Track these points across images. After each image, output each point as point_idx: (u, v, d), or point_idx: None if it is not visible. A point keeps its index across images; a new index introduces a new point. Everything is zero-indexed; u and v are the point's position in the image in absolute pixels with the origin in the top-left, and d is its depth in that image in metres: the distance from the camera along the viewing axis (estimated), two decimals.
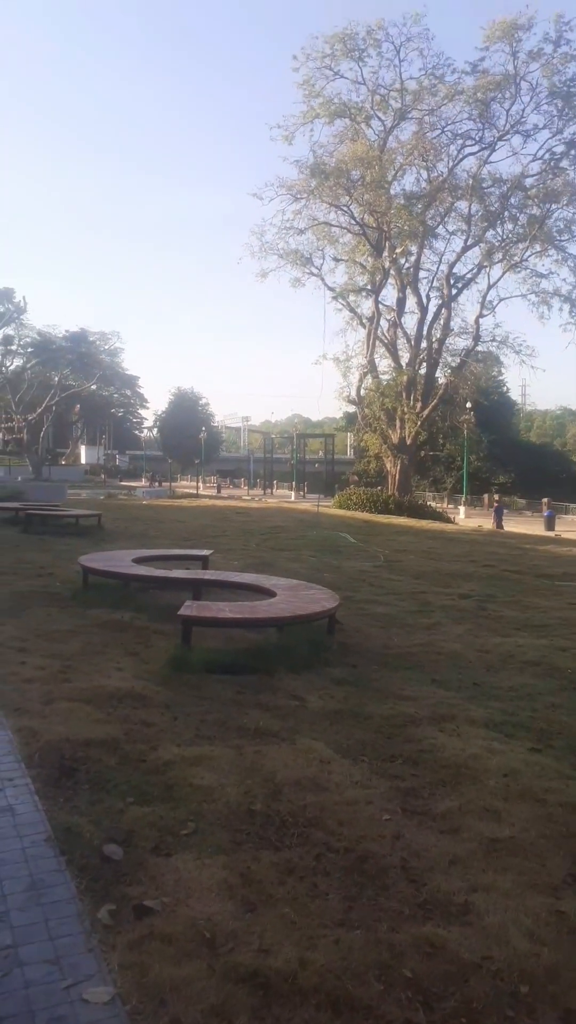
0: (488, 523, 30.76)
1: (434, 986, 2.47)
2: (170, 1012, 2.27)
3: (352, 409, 43.97)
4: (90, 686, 5.51)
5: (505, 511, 33.05)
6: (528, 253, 35.24)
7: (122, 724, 4.76)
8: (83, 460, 76.77)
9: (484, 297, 36.43)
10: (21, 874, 3.01)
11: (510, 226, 35.80)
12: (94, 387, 67.95)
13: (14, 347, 50.84)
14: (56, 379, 58.58)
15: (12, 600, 8.82)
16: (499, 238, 35.94)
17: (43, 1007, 2.28)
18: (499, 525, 29.40)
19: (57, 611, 8.27)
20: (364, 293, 38.95)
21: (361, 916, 2.84)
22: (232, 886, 2.97)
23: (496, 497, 39.48)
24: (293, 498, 47.24)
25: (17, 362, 54.63)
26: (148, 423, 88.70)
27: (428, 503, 39.29)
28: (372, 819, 3.63)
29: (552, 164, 34.65)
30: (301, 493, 51.09)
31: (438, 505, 41.66)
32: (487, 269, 36.39)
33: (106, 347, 73.35)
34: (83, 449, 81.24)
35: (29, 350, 55.69)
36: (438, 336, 37.13)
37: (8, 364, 50.60)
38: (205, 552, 11.61)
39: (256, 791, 3.87)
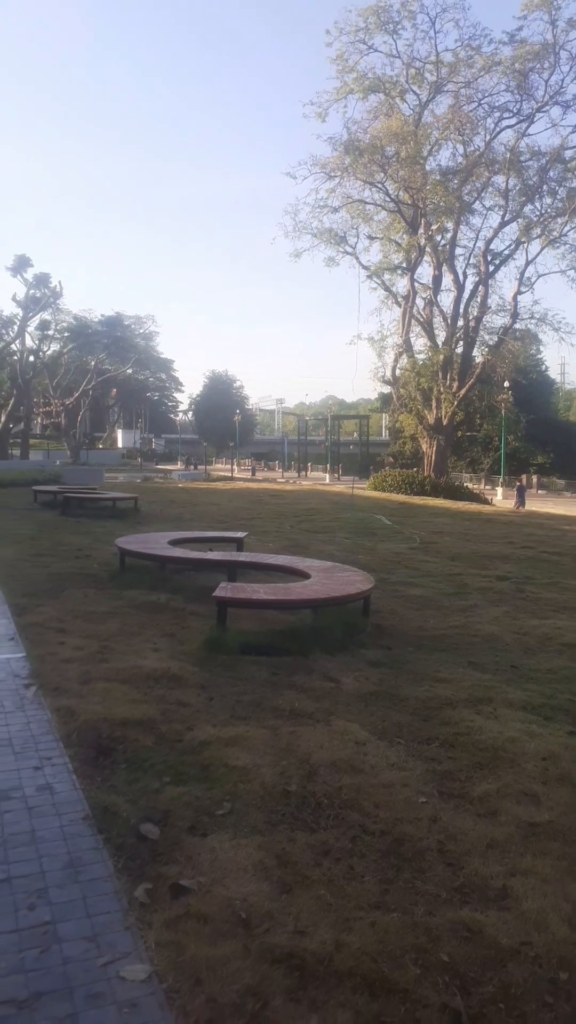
0: (527, 504, 30.34)
1: (471, 971, 2.44)
2: (206, 991, 2.28)
3: (387, 390, 43.49)
4: (127, 666, 5.55)
5: (528, 491, 32.65)
6: (568, 228, 34.35)
7: (158, 704, 4.79)
8: (119, 444, 77.49)
9: (522, 273, 35.69)
10: (60, 852, 3.04)
11: (549, 200, 34.89)
12: (130, 371, 68.34)
13: (51, 332, 51.15)
14: (92, 363, 59.04)
15: (51, 581, 8.93)
16: (537, 213, 35.07)
17: (81, 983, 2.30)
18: (521, 504, 29.00)
19: (95, 592, 8.35)
20: (399, 271, 38.44)
21: (397, 899, 2.82)
22: (268, 867, 2.97)
23: (520, 478, 38.87)
24: (327, 480, 47.11)
25: (54, 347, 55.05)
26: (183, 406, 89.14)
27: (465, 484, 38.89)
28: (408, 802, 3.61)
29: None
30: (335, 475, 50.91)
31: (475, 486, 41.20)
32: (525, 245, 35.61)
33: (141, 331, 73.57)
34: (119, 433, 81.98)
35: (66, 335, 56.01)
36: (475, 314, 36.47)
37: (45, 349, 51.00)
38: (240, 534, 11.63)
39: (291, 772, 3.87)
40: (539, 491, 44.72)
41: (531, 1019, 2.25)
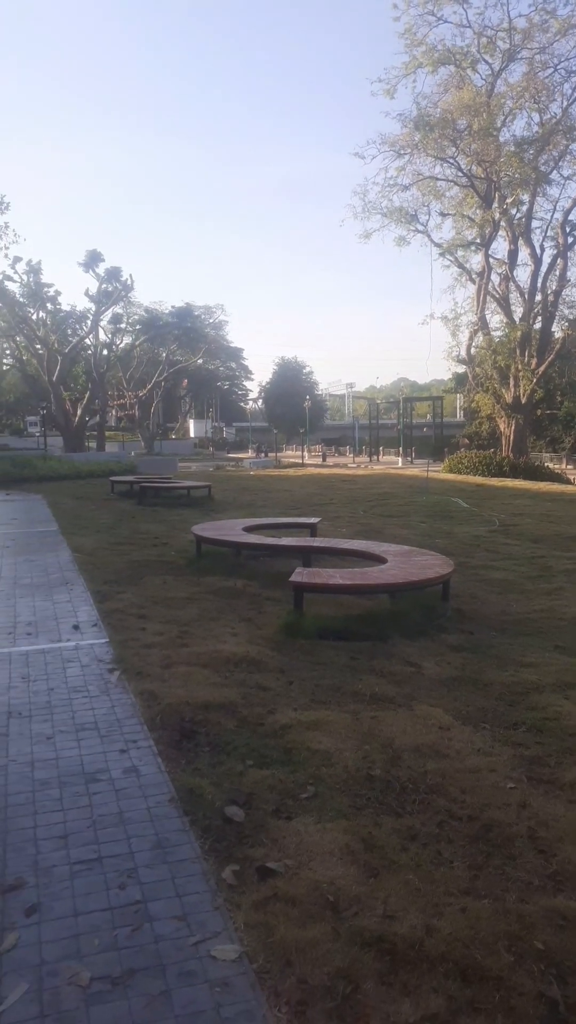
0: None
1: (568, 960, 2.37)
2: (296, 972, 2.27)
3: (461, 369, 42.54)
4: (207, 651, 5.61)
5: None
6: None
7: (239, 688, 4.82)
8: (192, 433, 78.46)
9: None
10: (147, 833, 3.09)
11: None
12: (200, 361, 69.07)
13: (123, 325, 52.03)
14: (164, 355, 59.85)
15: (130, 569, 9.12)
16: None
17: (173, 961, 2.33)
18: None
19: (173, 579, 8.48)
20: (473, 247, 37.43)
21: (488, 885, 2.75)
22: (354, 851, 2.95)
23: None
24: (400, 464, 46.56)
25: (127, 339, 55.96)
26: (253, 394, 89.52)
27: (545, 464, 37.79)
28: (496, 787, 3.52)
29: None
30: (409, 458, 50.27)
31: (556, 466, 40.00)
32: None
33: (211, 320, 74.17)
34: (191, 423, 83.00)
35: (137, 327, 56.90)
36: (553, 288, 35.22)
37: (118, 342, 51.96)
38: (313, 520, 11.60)
39: (375, 756, 3.83)
40: None
41: None
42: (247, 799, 3.37)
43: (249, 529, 10.21)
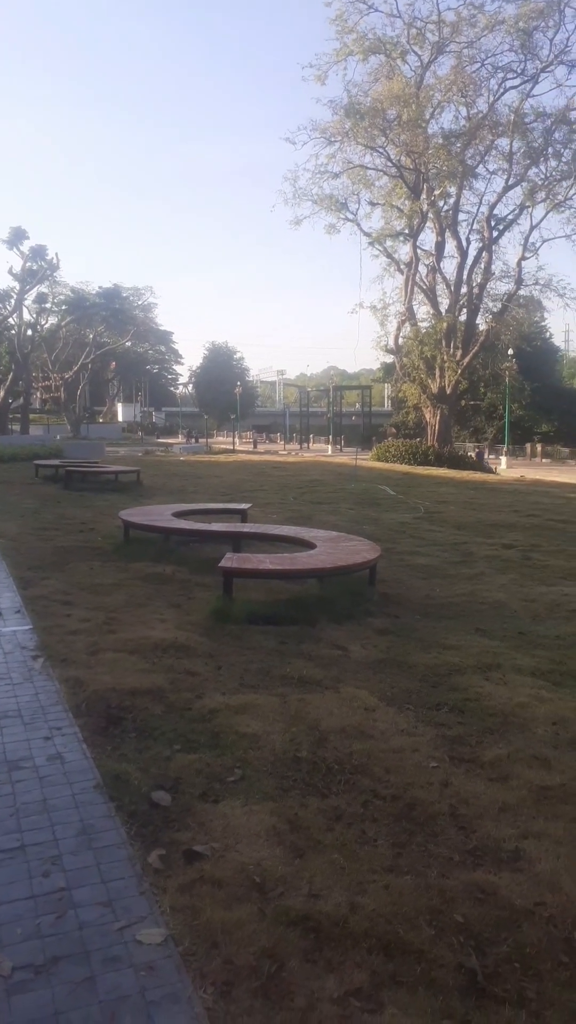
0: (531, 472, 30.24)
1: (486, 931, 2.45)
2: (223, 954, 2.28)
3: (390, 359, 43.16)
4: (134, 637, 5.55)
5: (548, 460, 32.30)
6: (573, 191, 33.75)
7: (167, 674, 4.79)
8: (120, 418, 77.18)
9: (526, 239, 35.15)
10: (72, 819, 3.05)
11: (554, 163, 34.19)
12: (129, 344, 67.76)
13: (48, 305, 50.55)
14: (91, 336, 58.56)
15: (56, 554, 8.93)
16: (542, 176, 34.41)
17: (98, 947, 2.31)
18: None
19: (100, 565, 8.35)
20: (402, 238, 37.86)
21: (410, 862, 2.82)
22: (280, 832, 2.98)
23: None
24: (330, 452, 46.96)
25: (52, 320, 54.42)
26: (183, 379, 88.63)
27: (468, 454, 38.72)
28: (419, 767, 3.61)
29: None
30: (338, 446, 50.73)
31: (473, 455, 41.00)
32: (529, 209, 34.99)
33: (139, 303, 72.79)
34: (120, 407, 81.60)
35: (63, 307, 55.35)
36: (479, 280, 36.02)
37: (43, 322, 50.49)
38: (244, 506, 11.60)
39: (301, 739, 3.87)
40: (543, 459, 44.58)
41: (546, 978, 2.25)
42: (174, 783, 3.36)
43: (179, 515, 10.13)
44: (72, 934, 2.37)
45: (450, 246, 36.54)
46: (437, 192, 35.26)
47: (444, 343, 35.47)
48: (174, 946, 2.31)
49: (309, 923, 2.43)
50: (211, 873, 2.68)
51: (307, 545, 8.18)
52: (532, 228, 35.11)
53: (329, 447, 50.54)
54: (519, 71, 33.70)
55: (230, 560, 6.87)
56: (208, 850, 2.83)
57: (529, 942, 2.39)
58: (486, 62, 33.79)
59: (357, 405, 66.98)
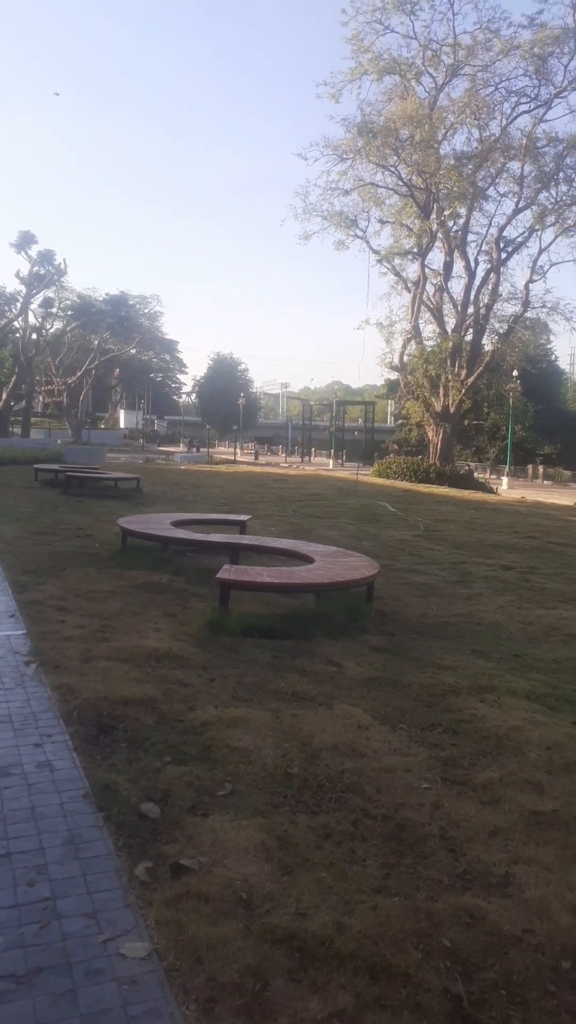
0: (532, 494, 30.25)
1: (473, 957, 2.42)
2: (206, 970, 2.26)
3: (394, 376, 43.25)
4: (128, 646, 5.53)
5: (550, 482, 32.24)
6: None
7: (160, 684, 4.77)
8: (122, 424, 77.22)
9: (535, 262, 35.29)
10: (59, 828, 3.03)
11: (565, 188, 34.40)
12: (133, 351, 67.97)
13: (54, 310, 50.76)
14: (96, 343, 58.72)
15: (52, 560, 8.91)
16: (552, 200, 34.62)
17: (81, 959, 2.29)
18: None
19: (96, 572, 8.32)
20: (410, 256, 38.05)
21: (399, 883, 2.80)
22: (269, 848, 2.96)
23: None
24: (331, 466, 46.98)
25: (57, 325, 54.66)
26: (187, 388, 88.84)
27: (474, 472, 38.77)
28: (411, 787, 3.59)
29: None
30: (340, 461, 50.77)
31: (481, 475, 41.08)
32: (539, 232, 35.16)
33: (146, 311, 73.19)
34: (122, 413, 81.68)
35: (69, 313, 55.66)
36: (485, 302, 36.14)
37: (48, 327, 50.67)
38: (243, 517, 11.59)
39: (293, 755, 3.85)
40: (545, 481, 44.62)
41: (533, 1006, 2.23)
42: (163, 795, 3.34)
43: (177, 524, 10.12)
44: (55, 945, 2.35)
45: (458, 266, 36.72)
46: (447, 212, 35.46)
47: (449, 362, 35.57)
48: (158, 961, 2.29)
49: (295, 942, 2.41)
50: (198, 888, 2.65)
51: (305, 559, 8.17)
52: (541, 251, 35.31)
53: (331, 461, 50.58)
54: (533, 96, 33.97)
55: (227, 571, 6.86)
56: (195, 864, 2.81)
57: (516, 969, 2.37)
58: (500, 86, 34.06)
59: (360, 420, 67.13)
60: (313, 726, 4.23)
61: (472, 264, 36.48)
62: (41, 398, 62.31)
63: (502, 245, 35.65)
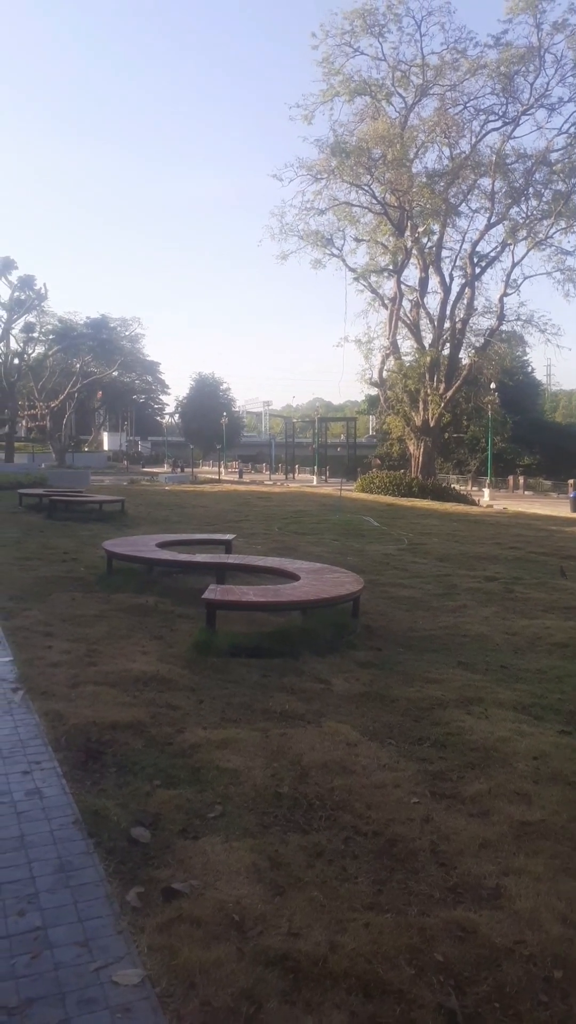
0: (513, 505, 30.41)
1: (466, 970, 2.43)
2: (200, 995, 2.26)
3: (374, 392, 43.54)
4: (116, 670, 5.52)
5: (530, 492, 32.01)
6: (553, 230, 34.52)
7: (148, 707, 4.76)
8: (106, 446, 77.09)
9: (508, 275, 35.82)
10: (49, 856, 3.01)
11: (534, 203, 35.03)
12: (115, 373, 67.96)
13: (36, 334, 50.82)
14: (78, 366, 58.66)
15: (38, 585, 8.87)
16: (523, 215, 35.22)
17: (73, 989, 2.28)
18: None
19: (82, 596, 8.30)
20: (386, 273, 38.50)
21: (391, 900, 2.81)
22: (260, 869, 2.96)
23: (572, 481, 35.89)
24: (315, 482, 47.11)
25: (39, 349, 54.63)
26: (169, 409, 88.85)
27: (452, 485, 38.98)
28: (400, 802, 3.60)
29: None
30: (323, 477, 50.92)
31: (462, 488, 41.30)
32: (511, 247, 35.74)
33: (127, 333, 73.32)
34: (105, 436, 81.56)
35: (51, 337, 55.63)
36: (461, 316, 36.59)
37: (30, 351, 50.70)
38: (228, 536, 11.60)
39: (283, 774, 3.85)
40: (525, 492, 44.93)
41: (526, 1018, 2.24)
42: (154, 820, 3.33)
43: (163, 545, 10.11)
44: (48, 975, 2.34)
45: (433, 282, 37.21)
46: (421, 229, 35.95)
47: (428, 377, 35.91)
48: (151, 987, 2.28)
49: (288, 963, 2.41)
50: (190, 911, 2.65)
51: (291, 576, 8.19)
52: (514, 265, 35.84)
53: (314, 478, 50.71)
54: (501, 114, 34.65)
55: (214, 592, 6.87)
56: (187, 888, 2.81)
57: (509, 981, 2.38)
58: (469, 104, 34.71)
59: (342, 436, 67.37)
60: (302, 744, 4.23)
61: (447, 279, 36.99)
62: (24, 422, 62.16)
63: (476, 260, 36.17)
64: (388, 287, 38.39)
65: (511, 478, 48.79)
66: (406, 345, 38.40)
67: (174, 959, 2.40)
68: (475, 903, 2.81)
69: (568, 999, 2.32)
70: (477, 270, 36.28)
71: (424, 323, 37.90)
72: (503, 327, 36.94)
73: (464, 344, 37.48)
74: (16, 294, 41.29)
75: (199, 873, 2.92)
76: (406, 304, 37.51)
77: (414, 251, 36.63)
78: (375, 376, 38.41)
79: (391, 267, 37.68)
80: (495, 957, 2.50)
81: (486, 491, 38.76)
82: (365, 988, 2.32)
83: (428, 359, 35.71)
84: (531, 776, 3.96)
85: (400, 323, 37.20)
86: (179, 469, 58.43)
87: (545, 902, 2.80)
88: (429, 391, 35.76)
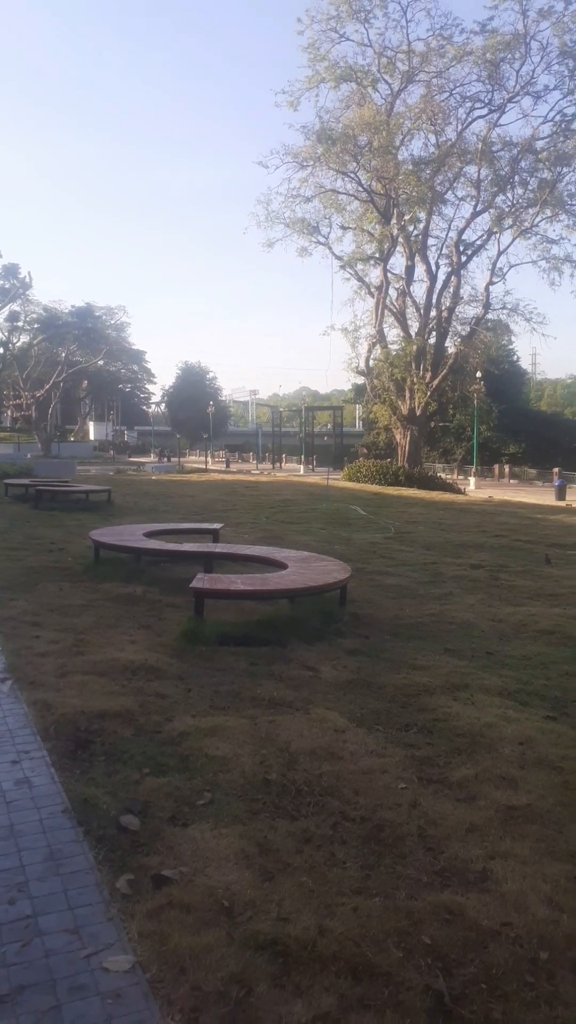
0: (499, 493, 30.57)
1: (453, 953, 2.46)
2: (190, 980, 2.27)
3: (361, 380, 43.51)
4: (104, 659, 5.52)
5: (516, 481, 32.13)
6: (539, 218, 34.52)
7: (136, 696, 4.77)
8: (92, 436, 76.77)
9: (494, 264, 35.82)
10: (39, 845, 3.02)
11: (520, 191, 35.00)
12: (101, 362, 67.67)
13: (20, 323, 50.46)
14: (63, 355, 58.33)
15: (25, 575, 8.84)
16: (509, 203, 35.18)
17: (64, 976, 2.29)
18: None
19: (69, 586, 8.28)
20: (372, 261, 38.39)
21: (379, 884, 2.84)
22: (249, 855, 2.98)
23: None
24: (302, 471, 47.11)
25: (24, 338, 54.26)
26: (156, 398, 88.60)
27: (438, 474, 39.10)
28: (388, 788, 3.63)
29: (563, 126, 33.73)
30: (310, 466, 50.92)
31: (448, 476, 41.46)
32: (497, 235, 35.73)
33: (112, 322, 72.87)
34: (91, 425, 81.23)
35: (35, 326, 55.26)
36: (447, 304, 36.57)
37: (15, 341, 50.31)
38: (216, 526, 11.59)
39: (271, 761, 3.87)
40: (511, 480, 45.15)
41: (513, 998, 2.27)
42: (143, 807, 3.34)
43: (150, 534, 10.09)
44: (38, 962, 2.35)
45: (420, 270, 37.13)
46: (407, 217, 35.84)
47: (414, 365, 35.91)
48: (141, 973, 2.30)
49: (277, 947, 2.43)
50: (179, 898, 2.67)
51: (279, 565, 8.20)
52: (500, 253, 35.82)
53: (301, 467, 50.71)
54: (487, 101, 34.52)
55: (201, 580, 6.87)
56: (177, 874, 2.82)
57: (496, 963, 2.42)
58: (455, 92, 34.56)
59: (329, 425, 67.33)
60: (290, 731, 4.25)
61: (433, 268, 36.92)
62: (9, 412, 61.76)
63: (462, 248, 36.14)
64: (374, 275, 38.32)
65: (497, 467, 49.03)
66: (392, 334, 38.39)
67: (164, 945, 2.42)
68: (462, 886, 2.84)
69: (554, 980, 2.35)
70: (463, 258, 36.27)
71: (410, 311, 37.86)
72: (489, 316, 36.99)
73: (450, 333, 37.48)
74: (0, 283, 40.88)
75: (188, 860, 2.93)
76: (392, 292, 37.45)
77: (400, 239, 36.51)
78: (361, 365, 38.37)
79: (377, 255, 37.56)
80: (482, 939, 2.53)
81: (472, 480, 38.93)
82: (354, 971, 2.35)
83: (414, 347, 35.70)
84: (517, 761, 4.00)
85: (386, 311, 37.14)
86: (166, 459, 58.25)
87: (531, 885, 2.84)
88: (415, 380, 35.78)
